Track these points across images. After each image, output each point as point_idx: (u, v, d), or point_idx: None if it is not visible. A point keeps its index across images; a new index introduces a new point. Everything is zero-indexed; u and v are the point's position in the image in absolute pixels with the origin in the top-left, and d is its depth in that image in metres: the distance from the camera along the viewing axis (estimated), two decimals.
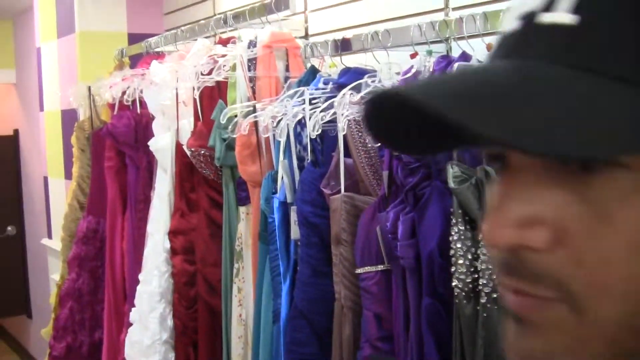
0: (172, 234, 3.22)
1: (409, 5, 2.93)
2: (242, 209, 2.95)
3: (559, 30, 0.59)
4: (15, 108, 7.83)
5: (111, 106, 4.01)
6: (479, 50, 2.18)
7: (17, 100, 7.76)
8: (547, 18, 0.60)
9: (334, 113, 2.30)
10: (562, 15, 0.59)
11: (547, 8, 0.61)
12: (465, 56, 2.15)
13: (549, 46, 0.60)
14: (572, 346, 0.61)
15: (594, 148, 0.53)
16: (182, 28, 3.76)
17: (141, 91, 3.66)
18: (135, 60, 4.36)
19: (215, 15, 4.35)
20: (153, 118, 3.55)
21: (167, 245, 3.27)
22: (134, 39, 4.81)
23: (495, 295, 1.87)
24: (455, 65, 2.09)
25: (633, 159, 0.56)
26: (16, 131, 7.85)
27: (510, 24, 0.64)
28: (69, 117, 5.06)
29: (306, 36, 3.47)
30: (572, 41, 0.59)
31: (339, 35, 2.76)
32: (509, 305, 0.67)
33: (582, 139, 0.53)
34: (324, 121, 2.33)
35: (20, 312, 7.75)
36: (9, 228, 7.81)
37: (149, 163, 3.66)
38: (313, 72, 2.70)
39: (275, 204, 2.55)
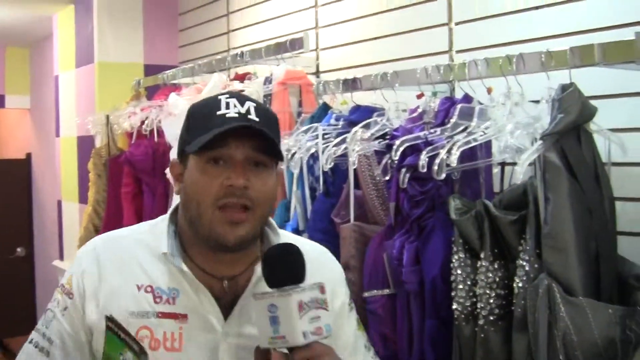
0: None
1: (415, 46, 3.13)
2: None
3: None
4: (29, 133, 8.05)
5: (129, 135, 4.20)
6: (480, 92, 2.37)
7: (31, 125, 7.97)
8: None
9: (345, 148, 2.48)
10: None
11: None
12: (467, 98, 2.34)
13: None
14: (253, 225, 1.57)
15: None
16: (199, 62, 3.95)
17: (159, 121, 3.85)
18: (152, 91, 4.56)
19: (229, 49, 4.56)
20: (170, 147, 3.74)
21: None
22: (149, 70, 5.03)
23: (491, 318, 2.04)
24: (458, 106, 2.28)
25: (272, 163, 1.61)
26: (29, 155, 8.05)
27: None
28: (84, 144, 5.26)
29: (317, 73, 3.67)
30: None
31: (348, 73, 2.97)
32: (230, 217, 1.55)
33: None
34: (336, 155, 2.51)
35: (27, 332, 7.86)
36: (19, 249, 7.97)
37: (165, 189, 3.85)
38: (325, 109, 2.90)
39: (288, 231, 2.73)
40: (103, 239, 1.76)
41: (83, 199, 5.16)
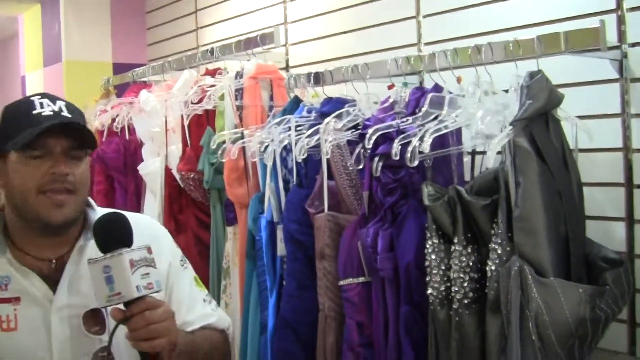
0: None
1: (383, 39, 3.17)
2: (229, 229, 3.16)
3: None
4: None
5: (100, 133, 4.19)
6: (450, 82, 2.41)
7: None
8: None
9: (318, 139, 2.51)
10: None
11: None
12: (437, 87, 2.38)
13: None
14: (76, 206, 1.75)
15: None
16: (169, 59, 3.95)
17: (130, 118, 3.85)
18: (121, 89, 4.55)
19: (198, 47, 4.56)
20: (142, 144, 3.75)
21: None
22: (118, 68, 5.01)
23: (466, 301, 2.08)
24: (429, 95, 2.32)
25: (84, 152, 1.80)
26: None
27: None
28: None
29: (287, 68, 3.70)
30: None
31: (318, 67, 2.99)
32: (55, 199, 1.71)
33: None
34: (309, 146, 2.54)
35: None
36: None
37: (137, 187, 3.85)
38: (296, 102, 2.92)
39: (263, 223, 2.76)
40: None
41: None
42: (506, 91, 2.23)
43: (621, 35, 2.33)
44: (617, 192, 2.37)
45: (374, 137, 2.22)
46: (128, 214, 1.94)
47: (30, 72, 5.68)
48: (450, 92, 2.35)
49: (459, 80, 2.34)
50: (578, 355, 1.97)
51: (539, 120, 2.03)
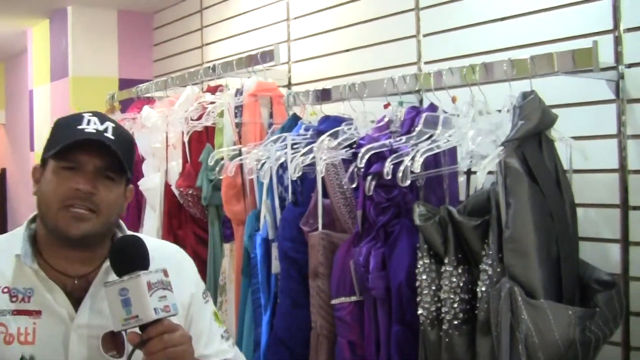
0: None
1: (385, 58, 3.17)
2: (226, 246, 3.16)
3: None
4: (4, 148, 8.02)
5: None
6: (447, 102, 2.41)
7: (6, 140, 7.95)
8: None
9: (314, 157, 2.51)
10: None
11: None
12: (432, 107, 2.38)
13: None
14: (96, 225, 1.72)
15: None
16: (172, 75, 3.97)
17: (132, 134, 3.85)
18: (126, 105, 4.57)
19: (203, 63, 4.58)
20: (143, 159, 3.76)
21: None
22: (124, 84, 5.04)
23: (456, 322, 2.07)
24: (423, 115, 2.32)
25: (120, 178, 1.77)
26: (4, 170, 8.02)
27: None
28: None
29: (289, 85, 3.71)
30: None
31: (319, 85, 3.00)
32: (74, 213, 1.70)
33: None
34: (304, 164, 2.54)
35: None
36: None
37: (138, 202, 3.86)
38: (295, 119, 2.93)
39: (258, 240, 2.76)
40: None
41: None
42: (499, 111, 2.23)
43: (618, 56, 2.33)
44: (613, 213, 2.36)
45: (366, 156, 2.22)
46: (155, 240, 2.00)
47: (37, 87, 5.72)
48: (445, 112, 2.35)
49: (453, 100, 2.34)
50: None
51: (532, 140, 2.03)
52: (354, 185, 2.36)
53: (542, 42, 2.51)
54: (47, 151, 1.76)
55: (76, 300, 1.77)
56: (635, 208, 2.31)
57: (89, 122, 1.75)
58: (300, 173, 2.57)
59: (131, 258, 1.65)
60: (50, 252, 1.79)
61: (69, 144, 1.70)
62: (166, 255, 1.82)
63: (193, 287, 1.93)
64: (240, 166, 2.96)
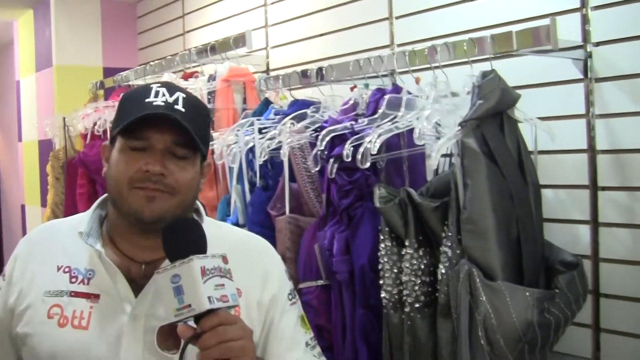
0: None
1: (360, 41, 3.15)
2: None
3: None
4: None
5: (84, 136, 4.20)
6: (409, 83, 2.39)
7: None
8: None
9: (279, 141, 2.49)
10: None
11: None
12: (396, 88, 2.36)
13: None
14: (170, 206, 1.57)
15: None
16: (152, 62, 3.95)
17: (111, 122, 3.84)
18: (110, 93, 4.56)
19: (185, 50, 4.56)
20: None
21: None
22: (109, 73, 5.02)
23: (417, 305, 2.05)
24: (386, 97, 2.29)
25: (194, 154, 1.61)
26: None
27: None
28: (45, 147, 5.25)
29: (267, 71, 3.69)
30: None
31: (297, 70, 2.97)
32: (146, 193, 1.56)
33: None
34: (270, 148, 2.53)
35: None
36: None
37: None
38: (266, 104, 2.91)
39: None
40: (41, 227, 1.83)
41: (45, 203, 5.15)
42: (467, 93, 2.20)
43: (586, 34, 2.30)
44: (582, 194, 2.33)
45: (327, 139, 2.20)
46: (235, 230, 1.88)
47: (24, 77, 5.71)
48: (410, 93, 2.32)
49: (417, 81, 2.32)
50: None
51: (492, 120, 2.00)
52: (317, 169, 2.33)
53: (511, 21, 2.48)
54: (114, 128, 1.62)
55: (139, 288, 1.62)
56: (604, 189, 2.29)
57: (157, 93, 1.59)
58: (267, 157, 2.55)
59: (184, 242, 1.47)
60: (119, 235, 1.67)
61: (133, 120, 1.54)
62: (250, 249, 1.72)
63: (276, 287, 1.75)
64: (213, 152, 2.93)
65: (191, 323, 1.42)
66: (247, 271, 1.64)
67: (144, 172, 1.55)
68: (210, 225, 1.70)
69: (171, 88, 1.62)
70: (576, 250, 2.15)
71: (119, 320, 1.60)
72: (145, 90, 1.61)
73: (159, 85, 1.62)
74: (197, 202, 1.73)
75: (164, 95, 1.58)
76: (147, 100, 1.57)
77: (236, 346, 1.42)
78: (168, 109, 1.57)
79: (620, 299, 2.25)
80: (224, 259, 1.46)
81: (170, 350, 1.57)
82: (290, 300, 1.78)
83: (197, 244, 1.48)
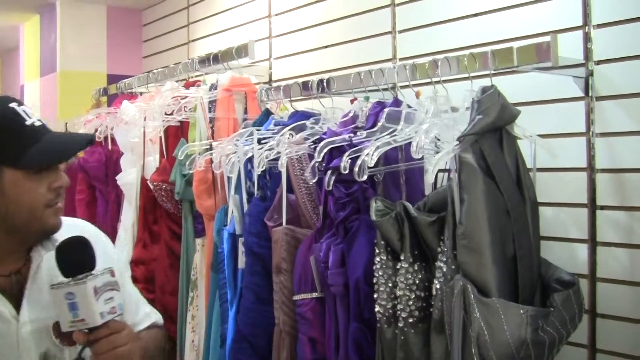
0: (134, 263, 3.38)
1: (363, 54, 3.15)
2: (198, 241, 3.13)
3: None
4: None
5: None
6: (409, 97, 2.38)
7: None
8: None
9: (278, 152, 2.48)
10: None
11: None
12: (396, 102, 2.35)
13: None
14: None
15: None
16: (155, 70, 3.96)
17: (112, 129, 3.85)
18: (113, 100, 4.56)
19: (189, 59, 4.56)
20: (122, 154, 3.74)
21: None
22: (113, 79, 5.03)
23: (411, 320, 2.03)
24: (386, 110, 2.28)
25: None
26: None
27: None
28: None
29: (270, 82, 3.68)
30: None
31: (299, 81, 2.97)
32: (56, 209, 1.70)
33: None
34: (268, 159, 2.52)
35: None
36: None
37: (118, 196, 3.84)
38: (267, 114, 2.91)
39: (225, 235, 2.73)
40: None
41: None
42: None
43: (587, 52, 2.30)
44: (581, 213, 2.32)
45: (324, 150, 2.18)
46: (72, 220, 1.97)
47: (28, 82, 5.72)
48: (410, 107, 2.31)
49: (417, 94, 2.31)
50: None
51: (491, 136, 1.99)
52: (314, 180, 2.32)
53: (514, 38, 2.48)
54: (15, 159, 1.66)
55: (15, 298, 1.73)
56: (603, 208, 2.28)
57: (26, 113, 1.70)
58: (265, 167, 2.54)
59: (76, 261, 1.64)
60: None
61: (68, 152, 1.78)
62: (87, 233, 1.81)
63: (116, 258, 1.99)
64: (212, 161, 2.93)
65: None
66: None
67: (56, 189, 1.72)
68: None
69: (20, 103, 1.73)
70: (573, 269, 2.13)
71: (7, 328, 1.71)
72: (13, 113, 1.69)
73: (16, 104, 1.71)
74: None
75: (30, 114, 1.71)
76: (27, 123, 1.68)
77: (125, 350, 1.65)
78: (46, 128, 1.73)
79: (617, 320, 2.24)
80: (112, 273, 1.65)
81: (63, 343, 1.75)
82: (125, 266, 2.15)
83: (88, 262, 1.65)
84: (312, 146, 2.43)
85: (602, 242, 2.28)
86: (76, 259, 1.65)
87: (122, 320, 1.71)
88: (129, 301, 1.94)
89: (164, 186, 3.22)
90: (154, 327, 2.04)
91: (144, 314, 2.02)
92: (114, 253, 2.03)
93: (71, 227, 1.81)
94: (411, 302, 2.03)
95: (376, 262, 2.11)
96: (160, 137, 3.33)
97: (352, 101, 2.49)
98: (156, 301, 3.30)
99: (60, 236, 1.74)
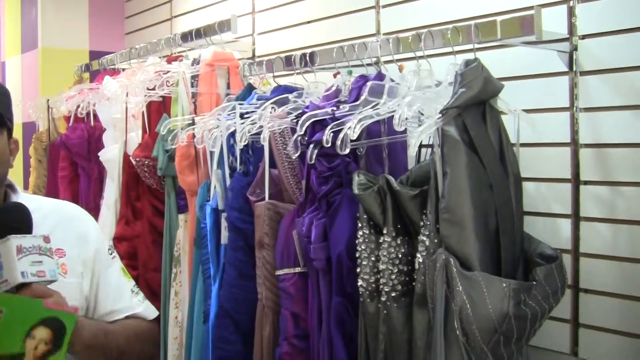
0: (117, 240, 3.36)
1: (346, 29, 3.12)
2: (181, 217, 3.11)
3: None
4: None
5: (67, 119, 4.16)
6: (393, 72, 2.37)
7: None
8: None
9: (260, 126, 2.47)
10: None
11: None
12: (379, 76, 2.33)
13: None
14: None
15: None
16: (137, 46, 3.92)
17: (94, 105, 3.81)
18: (95, 76, 4.52)
19: (172, 35, 4.52)
20: (105, 130, 3.70)
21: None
22: (95, 56, 4.96)
23: (394, 294, 2.03)
24: (369, 83, 2.27)
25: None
26: None
27: None
28: (29, 130, 5.20)
29: (253, 57, 3.65)
30: None
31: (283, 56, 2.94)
32: None
33: None
34: (251, 133, 2.50)
35: None
36: None
37: (100, 173, 3.81)
38: (250, 89, 2.88)
39: (207, 210, 2.72)
40: None
41: (27, 185, 5.10)
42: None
43: (572, 27, 2.28)
44: (564, 188, 2.32)
45: (306, 124, 2.17)
46: (53, 201, 2.00)
47: (9, 58, 5.65)
48: (393, 81, 2.30)
49: (400, 68, 2.29)
50: (505, 353, 1.90)
51: (475, 109, 1.97)
52: (297, 155, 2.30)
53: (499, 12, 2.46)
54: None
55: None
56: (586, 183, 2.27)
57: None
58: (247, 142, 2.52)
59: (8, 223, 1.65)
60: None
61: None
62: (65, 215, 1.87)
63: (96, 243, 1.98)
64: (194, 136, 2.91)
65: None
66: (65, 232, 1.86)
67: None
68: (26, 200, 1.85)
69: None
70: (556, 244, 2.13)
71: None
72: None
73: None
74: (9, 178, 1.88)
75: None
76: None
77: None
78: None
79: (600, 294, 2.24)
80: (46, 239, 1.64)
81: None
82: (111, 254, 2.04)
83: (19, 226, 1.65)
84: (295, 120, 2.41)
85: (585, 217, 2.27)
86: (7, 222, 1.65)
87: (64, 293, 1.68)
88: (108, 288, 1.96)
89: (146, 162, 3.19)
90: (136, 317, 2.02)
91: (126, 305, 2.00)
92: (96, 236, 2.01)
93: (55, 210, 1.85)
94: (394, 276, 2.02)
95: (359, 236, 2.10)
96: (143, 113, 3.30)
97: (335, 75, 2.47)
98: (140, 278, 3.29)
99: (44, 215, 1.76)
